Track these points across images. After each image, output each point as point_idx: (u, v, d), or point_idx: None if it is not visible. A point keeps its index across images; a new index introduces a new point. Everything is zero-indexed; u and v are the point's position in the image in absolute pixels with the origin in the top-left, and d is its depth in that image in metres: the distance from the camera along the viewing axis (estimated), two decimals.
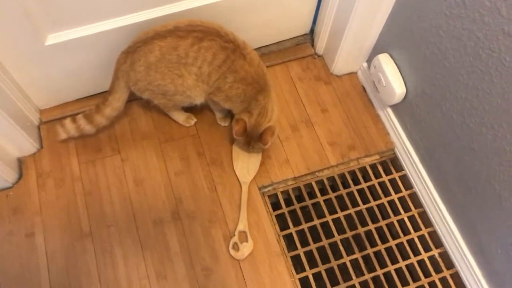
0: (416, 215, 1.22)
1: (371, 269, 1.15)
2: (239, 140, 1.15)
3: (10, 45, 1.02)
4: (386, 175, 1.27)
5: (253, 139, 1.11)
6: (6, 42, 1.00)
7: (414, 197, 1.24)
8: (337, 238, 1.18)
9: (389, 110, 1.28)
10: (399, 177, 1.27)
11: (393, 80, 1.16)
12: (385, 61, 1.19)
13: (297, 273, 1.13)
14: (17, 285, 1.06)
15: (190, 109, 1.25)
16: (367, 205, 1.23)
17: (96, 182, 1.19)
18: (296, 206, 1.21)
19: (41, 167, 1.21)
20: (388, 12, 1.13)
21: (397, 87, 1.16)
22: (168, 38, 1.00)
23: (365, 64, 1.34)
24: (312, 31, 1.41)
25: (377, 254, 1.17)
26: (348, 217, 1.21)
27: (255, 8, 1.20)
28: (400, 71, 1.16)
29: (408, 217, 1.22)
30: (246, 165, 1.22)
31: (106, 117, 1.14)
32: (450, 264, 1.16)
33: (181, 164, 1.23)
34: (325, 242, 1.17)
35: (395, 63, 1.18)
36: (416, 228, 1.21)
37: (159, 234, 1.14)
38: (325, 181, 1.26)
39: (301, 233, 1.19)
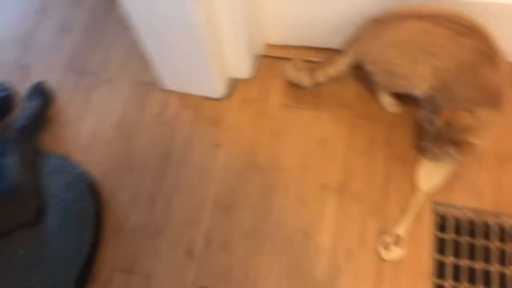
0: None
1: None
2: (431, 128, 1.05)
3: None
4: None
5: (449, 139, 1.02)
6: None
7: None
8: None
9: None
10: None
11: None
12: None
13: None
14: (191, 181, 1.20)
15: (398, 97, 1.20)
16: None
17: (285, 127, 1.25)
18: (465, 239, 1.11)
19: (247, 94, 1.31)
20: None
21: None
22: (426, 22, 0.96)
23: None
24: None
25: None
26: None
27: None
28: None
29: None
30: (431, 174, 1.15)
31: (327, 76, 1.17)
32: None
33: (366, 145, 1.21)
34: None
35: None
36: None
37: (320, 198, 1.16)
38: (509, 230, 1.11)
39: (456, 268, 1.09)
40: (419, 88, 1.05)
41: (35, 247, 1.05)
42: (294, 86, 1.27)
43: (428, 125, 1.06)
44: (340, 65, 1.15)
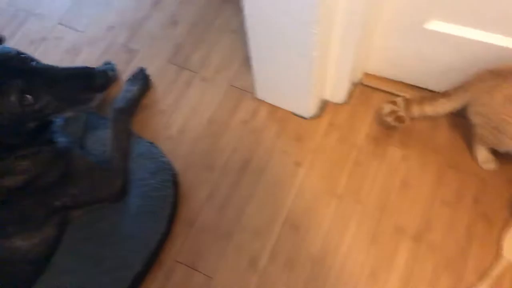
0: None
1: None
2: None
3: (392, 9, 1.07)
4: None
5: None
6: (393, 7, 1.05)
7: None
8: None
9: None
10: None
11: None
12: None
13: None
14: (266, 193, 1.21)
15: (497, 154, 1.14)
16: None
17: (369, 159, 1.23)
18: None
19: (336, 118, 1.30)
20: None
21: None
22: None
23: None
24: None
25: None
26: None
27: None
28: None
29: None
30: None
31: (422, 113, 1.14)
32: None
33: (452, 196, 1.16)
34: None
35: None
36: None
37: (393, 241, 1.12)
38: None
39: None
40: None
41: (112, 222, 1.10)
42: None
43: None
44: (441, 108, 1.12)
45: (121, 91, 1.34)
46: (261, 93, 1.34)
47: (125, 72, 1.41)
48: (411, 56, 1.20)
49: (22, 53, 0.91)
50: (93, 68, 0.97)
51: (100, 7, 1.56)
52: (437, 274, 1.07)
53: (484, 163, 1.17)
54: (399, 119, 1.17)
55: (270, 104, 1.34)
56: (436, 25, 1.07)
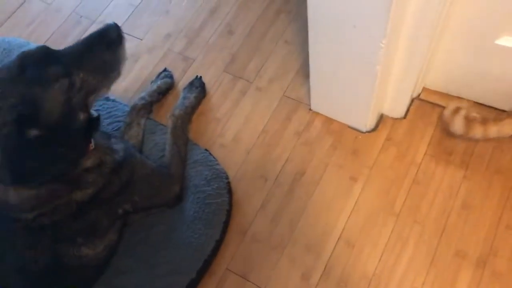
0: None
1: None
2: None
3: (462, 23, 1.04)
4: None
5: None
6: (463, 21, 1.02)
7: None
8: None
9: None
10: None
11: None
12: None
13: None
14: (320, 207, 1.19)
15: None
16: None
17: (429, 178, 1.19)
18: None
19: (394, 133, 1.27)
20: None
21: None
22: None
23: None
24: None
25: None
26: None
27: None
28: None
29: None
30: None
31: (485, 132, 1.09)
32: None
33: None
34: None
35: None
36: None
37: (454, 266, 1.08)
38: None
39: None
40: None
41: (168, 227, 1.11)
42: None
43: None
44: (508, 128, 1.06)
45: (178, 98, 1.35)
46: (316, 105, 1.32)
47: (182, 80, 1.43)
48: (477, 73, 1.16)
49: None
50: (102, 28, 0.94)
51: (159, 16, 1.59)
52: None
53: None
54: (468, 120, 1.11)
55: (325, 116, 1.32)
56: (507, 41, 1.02)
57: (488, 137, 1.11)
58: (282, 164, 1.26)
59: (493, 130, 1.09)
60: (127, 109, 1.28)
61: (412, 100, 1.30)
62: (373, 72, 1.03)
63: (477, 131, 1.11)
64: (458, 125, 1.14)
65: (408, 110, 1.29)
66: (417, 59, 1.06)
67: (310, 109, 1.34)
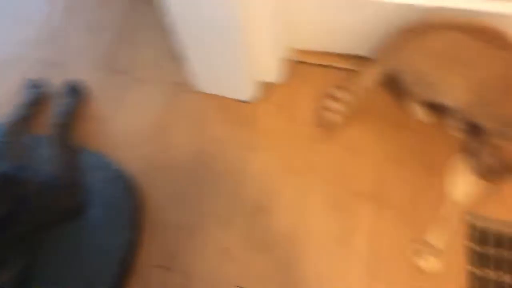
0: None
1: None
2: (486, 165, 1.08)
3: None
4: None
5: (507, 171, 1.04)
6: None
7: None
8: None
9: None
10: None
11: None
12: None
13: None
14: (219, 183, 1.22)
15: (431, 107, 1.23)
16: None
17: (317, 133, 1.27)
18: (507, 252, 1.12)
19: (280, 98, 1.33)
20: None
21: None
22: (464, 34, 0.99)
23: None
24: None
25: None
26: None
27: None
28: None
29: None
30: (464, 185, 1.17)
31: (361, 88, 1.19)
32: None
33: (397, 153, 1.24)
34: None
35: None
36: None
37: (354, 204, 1.18)
38: None
39: (499, 285, 1.09)
40: (454, 101, 1.08)
41: (75, 241, 1.05)
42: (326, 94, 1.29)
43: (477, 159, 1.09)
44: (373, 75, 1.17)
45: (55, 106, 1.27)
46: (200, 85, 1.33)
47: (55, 86, 1.34)
48: (335, 26, 1.25)
49: None
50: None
51: (8, 22, 1.45)
52: (399, 229, 1.14)
53: (422, 117, 1.26)
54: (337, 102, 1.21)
55: (211, 94, 1.34)
56: None
57: (368, 88, 1.21)
58: (179, 150, 1.27)
59: (365, 81, 1.19)
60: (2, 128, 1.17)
61: (289, 63, 1.37)
62: (236, 40, 1.07)
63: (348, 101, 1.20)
64: (329, 117, 1.21)
65: (287, 74, 1.35)
66: (274, 21, 1.12)
67: (195, 90, 1.34)
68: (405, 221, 1.15)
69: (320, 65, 1.36)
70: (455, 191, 1.17)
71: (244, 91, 1.30)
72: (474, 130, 1.15)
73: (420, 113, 1.26)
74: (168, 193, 1.20)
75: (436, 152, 1.23)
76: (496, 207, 1.15)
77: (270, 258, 1.12)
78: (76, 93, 1.29)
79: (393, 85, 1.23)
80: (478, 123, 1.11)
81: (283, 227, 1.16)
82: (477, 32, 0.99)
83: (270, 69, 1.31)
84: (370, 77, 1.17)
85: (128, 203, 1.10)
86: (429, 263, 1.10)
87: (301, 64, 1.37)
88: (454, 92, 1.06)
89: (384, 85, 1.29)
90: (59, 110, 1.23)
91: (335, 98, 1.21)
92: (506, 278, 1.10)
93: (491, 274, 1.11)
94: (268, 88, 1.34)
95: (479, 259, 1.12)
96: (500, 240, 1.14)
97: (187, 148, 1.26)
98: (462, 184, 1.18)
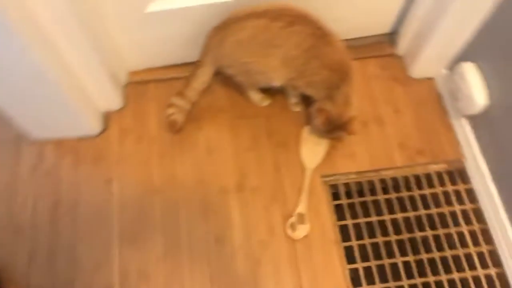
0: (478, 230, 1.20)
1: (423, 274, 1.15)
2: (318, 128, 1.17)
3: (114, 6, 1.10)
4: (452, 185, 1.26)
5: (336, 128, 1.13)
6: (113, 3, 1.09)
7: (478, 212, 1.22)
8: (393, 237, 1.19)
9: (464, 121, 1.26)
10: (465, 189, 1.25)
11: (476, 90, 1.15)
12: (469, 71, 1.18)
13: (348, 263, 1.15)
14: (90, 224, 1.15)
15: (266, 91, 1.30)
16: (427, 211, 1.22)
17: (170, 146, 1.27)
18: (356, 199, 1.23)
19: (123, 123, 1.31)
20: (482, 19, 1.12)
21: (480, 98, 1.15)
22: (262, 19, 1.05)
23: (444, 71, 1.33)
24: (394, 31, 1.41)
25: (431, 261, 1.17)
26: (406, 220, 1.21)
27: (339, 2, 1.22)
28: (485, 82, 1.15)
29: (469, 231, 1.20)
30: (312, 152, 1.26)
31: (196, 90, 1.21)
32: (506, 286, 1.13)
33: (251, 141, 1.28)
34: (380, 239, 1.18)
35: (482, 73, 1.16)
36: (476, 243, 1.19)
37: (222, 202, 1.20)
38: (388, 181, 1.26)
39: (357, 227, 1.21)
40: (278, 79, 1.15)
41: None
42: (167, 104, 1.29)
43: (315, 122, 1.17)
44: (202, 76, 1.20)
45: None
46: (36, 133, 1.25)
47: None
48: (154, 41, 1.26)
49: None
50: None
51: None
52: (268, 210, 1.19)
53: (259, 102, 1.32)
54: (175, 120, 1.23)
55: (52, 139, 1.27)
56: (155, 6, 1.13)
57: (199, 91, 1.23)
58: (31, 206, 1.18)
59: (196, 85, 1.21)
60: None
61: (127, 86, 1.35)
62: (50, 81, 1.02)
63: (191, 94, 1.21)
64: (175, 121, 1.23)
65: (128, 97, 1.33)
66: (91, 53, 1.09)
67: (34, 140, 1.26)
68: (274, 200, 1.20)
69: (160, 80, 1.36)
70: (306, 159, 1.25)
71: (88, 127, 1.26)
72: (308, 100, 1.23)
73: (259, 99, 1.31)
74: (29, 256, 1.11)
75: (287, 130, 1.30)
76: (345, 162, 1.25)
77: (154, 284, 1.09)
78: None
79: (230, 81, 1.27)
80: (306, 93, 1.19)
81: (160, 249, 1.14)
82: (275, 13, 1.06)
83: (108, 98, 1.27)
84: (199, 78, 1.20)
85: None
86: (301, 231, 1.15)
87: (142, 83, 1.35)
88: (274, 72, 1.13)
89: (223, 83, 1.33)
90: None
91: (175, 105, 1.22)
92: (360, 220, 1.21)
93: (348, 220, 1.21)
94: (113, 116, 1.31)
95: (337, 211, 1.22)
96: (349, 191, 1.25)
97: (40, 203, 1.19)
98: (310, 150, 1.26)
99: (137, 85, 1.36)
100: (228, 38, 1.09)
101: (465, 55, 1.23)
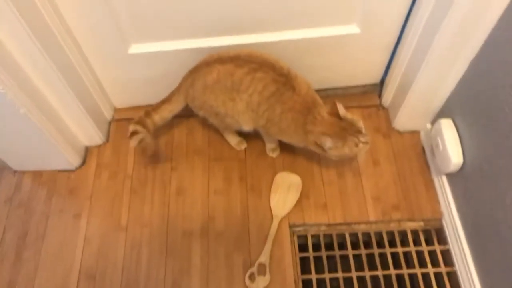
0: None
1: None
2: (341, 152, 1.06)
3: (99, 46, 1.15)
4: (427, 245, 1.20)
5: (351, 135, 1.05)
6: (95, 43, 1.14)
7: (452, 276, 1.15)
8: None
9: (444, 178, 1.21)
10: (441, 251, 1.19)
11: (451, 148, 1.11)
12: (446, 127, 1.14)
13: None
14: (53, 257, 1.17)
15: (244, 135, 1.30)
16: (398, 271, 1.17)
17: (143, 183, 1.28)
18: (324, 253, 1.19)
19: (102, 158, 1.33)
20: (458, 77, 1.09)
21: (454, 156, 1.10)
22: (227, 64, 1.07)
23: (429, 126, 1.29)
24: (382, 81, 1.39)
25: None
26: (374, 279, 1.16)
27: (321, 52, 1.22)
28: (460, 141, 1.11)
29: None
30: (283, 200, 1.24)
31: (154, 122, 1.21)
32: None
33: (223, 184, 1.28)
34: None
35: (457, 131, 1.12)
36: None
37: (185, 245, 1.19)
38: (360, 236, 1.22)
39: (321, 282, 1.16)
40: (246, 124, 1.15)
41: None
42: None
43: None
44: (166, 113, 1.21)
45: None
46: (17, 164, 1.30)
47: None
48: (137, 81, 1.29)
49: None
50: None
51: None
52: (230, 257, 1.17)
53: (236, 145, 1.32)
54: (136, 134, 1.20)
55: (32, 171, 1.31)
56: (137, 48, 1.17)
57: (158, 125, 1.23)
58: (0, 237, 1.20)
59: (157, 118, 1.22)
60: None
61: (109, 123, 1.38)
62: (31, 121, 1.07)
63: (149, 126, 1.22)
64: (135, 141, 1.20)
65: (109, 133, 1.36)
66: (70, 94, 1.14)
67: (14, 171, 1.30)
68: (237, 248, 1.18)
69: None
70: (275, 206, 1.23)
71: (67, 161, 1.29)
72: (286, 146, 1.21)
73: (235, 142, 1.32)
74: None
75: (261, 175, 1.29)
76: (316, 213, 1.22)
77: None
78: None
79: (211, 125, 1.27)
80: (286, 141, 1.18)
81: (118, 286, 1.13)
82: (239, 60, 1.07)
83: (92, 134, 1.32)
84: (165, 112, 1.21)
85: None
86: (258, 282, 1.12)
87: (125, 121, 1.38)
88: (240, 116, 1.13)
89: (206, 124, 1.34)
90: None
91: (138, 131, 1.20)
92: (325, 275, 1.16)
93: (312, 274, 1.17)
94: (93, 150, 1.34)
95: (302, 263, 1.18)
96: (317, 243, 1.21)
97: (8, 235, 1.22)
98: (281, 198, 1.24)
99: (121, 122, 1.39)
100: (197, 81, 1.11)
101: (445, 111, 1.19)
